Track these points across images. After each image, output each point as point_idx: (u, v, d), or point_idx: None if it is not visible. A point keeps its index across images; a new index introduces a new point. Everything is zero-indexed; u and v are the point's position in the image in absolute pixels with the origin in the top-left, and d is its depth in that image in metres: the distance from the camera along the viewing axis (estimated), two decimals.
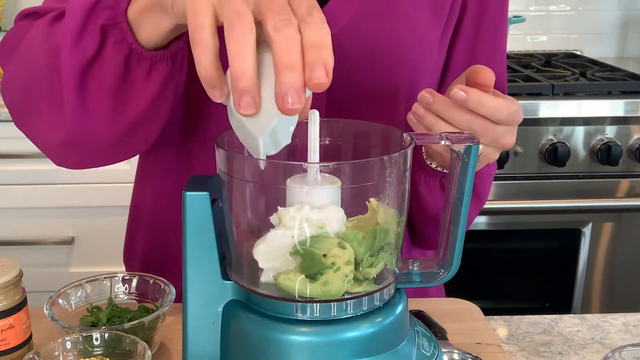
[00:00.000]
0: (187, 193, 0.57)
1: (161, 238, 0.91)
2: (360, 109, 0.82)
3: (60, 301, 0.72)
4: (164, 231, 0.90)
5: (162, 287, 0.75)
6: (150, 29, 0.64)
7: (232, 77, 0.48)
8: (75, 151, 0.73)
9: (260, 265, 0.56)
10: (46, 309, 0.70)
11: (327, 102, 0.81)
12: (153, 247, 0.93)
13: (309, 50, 0.47)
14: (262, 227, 0.57)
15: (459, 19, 0.87)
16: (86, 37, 0.65)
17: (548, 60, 2.10)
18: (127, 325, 0.67)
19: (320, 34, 0.48)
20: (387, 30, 0.81)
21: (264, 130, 0.51)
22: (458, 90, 0.65)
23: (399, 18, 0.82)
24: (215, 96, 0.52)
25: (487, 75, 0.67)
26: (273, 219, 0.55)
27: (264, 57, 0.51)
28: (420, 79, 0.84)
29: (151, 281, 0.76)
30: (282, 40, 0.47)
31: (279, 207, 0.55)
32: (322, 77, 0.47)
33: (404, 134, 0.59)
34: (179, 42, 0.67)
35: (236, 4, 0.49)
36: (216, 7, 0.51)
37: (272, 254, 0.55)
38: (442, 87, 0.90)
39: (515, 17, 2.01)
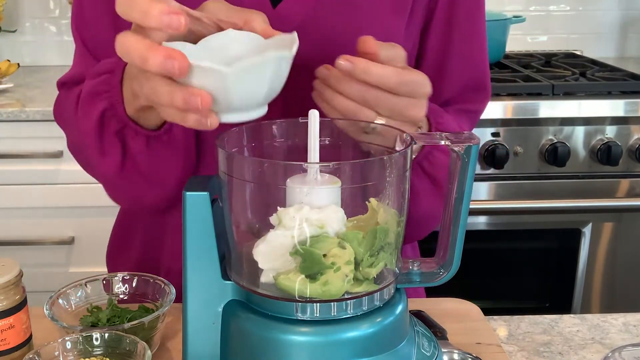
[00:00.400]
0: (187, 193, 0.57)
1: (151, 244, 0.92)
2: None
3: (60, 301, 0.72)
4: (154, 239, 0.92)
5: (162, 287, 0.75)
6: (154, 120, 0.72)
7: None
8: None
9: (260, 265, 0.56)
10: (46, 309, 0.70)
11: (283, 104, 0.81)
12: (142, 252, 0.94)
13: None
14: (262, 227, 0.57)
15: (431, 10, 0.86)
16: (108, 148, 0.74)
17: (548, 60, 2.10)
18: (127, 325, 0.67)
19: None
20: (347, 25, 0.80)
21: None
22: (344, 61, 0.65)
23: (359, 12, 0.80)
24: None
25: (369, 43, 0.66)
26: (273, 219, 0.55)
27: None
28: None
29: (151, 281, 0.76)
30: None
31: (278, 208, 0.55)
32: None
33: (404, 134, 0.59)
34: None
35: None
36: None
37: (272, 255, 0.55)
38: None
39: (515, 17, 2.01)
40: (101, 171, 0.78)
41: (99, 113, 0.72)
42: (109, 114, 0.72)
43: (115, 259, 1.00)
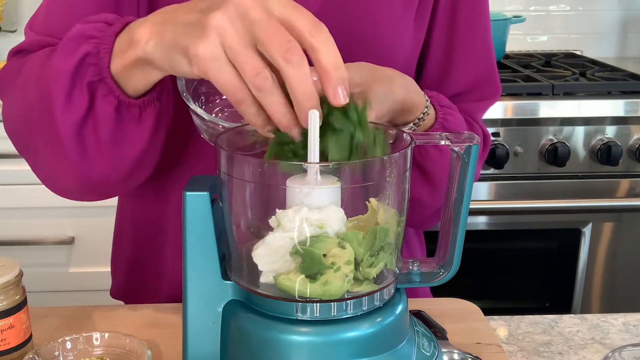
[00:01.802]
0: (187, 193, 0.57)
1: (145, 246, 0.93)
2: None
3: None
4: (148, 241, 0.92)
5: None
6: (137, 82, 0.66)
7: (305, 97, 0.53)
8: (91, 193, 0.78)
9: (260, 268, 0.56)
10: None
11: None
12: (138, 252, 0.94)
13: (327, 73, 0.53)
14: (262, 227, 0.57)
15: (435, 4, 0.87)
16: (75, 97, 0.67)
17: (548, 60, 2.10)
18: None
19: (332, 53, 0.53)
20: (360, 16, 0.81)
21: None
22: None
23: (372, 3, 0.82)
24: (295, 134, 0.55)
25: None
26: (272, 221, 0.55)
27: None
28: (394, 62, 0.83)
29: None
30: (295, 74, 0.52)
31: (277, 210, 0.55)
32: (344, 96, 0.53)
33: (404, 134, 0.59)
34: (162, 85, 0.69)
35: (249, 57, 0.53)
36: (227, 57, 0.54)
37: (271, 257, 0.55)
38: (422, 70, 0.91)
39: (515, 17, 2.01)
40: (58, 125, 0.69)
41: (80, 56, 0.66)
42: (90, 61, 0.66)
43: (114, 259, 1.00)
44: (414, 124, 0.78)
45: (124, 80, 0.66)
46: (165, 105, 0.71)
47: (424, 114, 0.78)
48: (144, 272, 0.93)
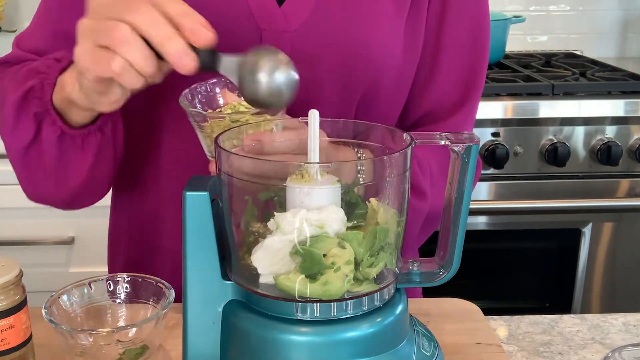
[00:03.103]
0: (187, 193, 0.57)
1: (142, 245, 0.93)
2: (323, 104, 0.80)
3: (61, 301, 0.72)
4: (145, 239, 0.92)
5: (162, 289, 0.74)
6: (76, 116, 0.73)
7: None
8: (52, 206, 0.86)
9: (260, 271, 0.56)
10: (44, 312, 0.69)
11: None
12: (135, 251, 0.94)
13: (181, 20, 0.58)
14: (262, 227, 0.57)
15: (429, 6, 0.85)
16: (22, 124, 0.74)
17: (548, 60, 2.10)
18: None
19: (180, 6, 0.59)
20: (348, 24, 0.80)
21: None
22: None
23: (360, 12, 0.81)
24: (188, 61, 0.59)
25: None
26: (270, 224, 0.55)
27: None
28: (382, 69, 0.83)
29: (153, 283, 0.75)
30: (151, 24, 0.58)
31: (275, 213, 0.55)
32: (206, 33, 0.59)
33: (404, 134, 0.59)
34: (105, 116, 0.74)
35: (116, 30, 0.58)
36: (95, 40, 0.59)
37: (270, 260, 0.55)
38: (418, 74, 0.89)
39: (515, 17, 2.01)
40: (6, 146, 0.78)
41: (26, 88, 0.73)
42: (34, 94, 0.73)
43: (110, 257, 1.00)
44: None
45: (65, 112, 0.73)
46: (107, 136, 0.76)
47: None
48: (141, 267, 0.93)
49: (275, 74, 0.60)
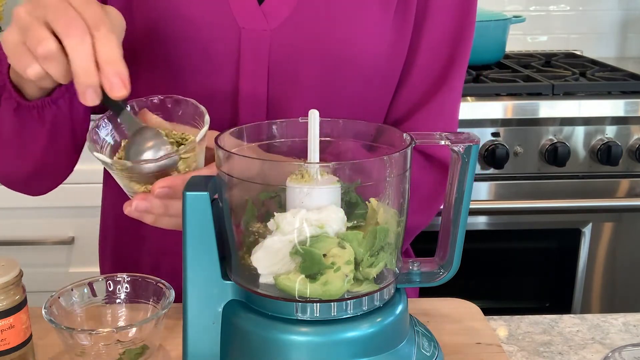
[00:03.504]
0: (187, 193, 0.57)
1: (132, 243, 0.93)
2: (305, 104, 0.78)
3: (61, 301, 0.72)
4: (136, 238, 0.92)
5: (162, 289, 0.75)
6: (29, 90, 0.73)
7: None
8: (6, 184, 0.87)
9: (260, 271, 0.56)
10: (44, 311, 0.69)
11: (268, 101, 0.81)
12: (124, 250, 0.95)
13: (104, 66, 0.59)
14: (262, 228, 0.57)
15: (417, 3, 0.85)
16: None
17: (548, 60, 2.10)
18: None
19: (108, 49, 0.59)
20: (332, 21, 0.80)
21: None
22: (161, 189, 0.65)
23: (343, 8, 0.80)
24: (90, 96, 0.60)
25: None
26: (270, 224, 0.55)
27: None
28: (371, 68, 0.82)
29: (153, 283, 0.76)
30: (74, 47, 0.58)
31: (275, 213, 0.55)
32: (119, 88, 0.59)
33: (404, 134, 0.59)
34: (61, 88, 0.74)
35: (34, 31, 0.59)
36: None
37: (270, 260, 0.55)
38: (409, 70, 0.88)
39: (515, 17, 2.01)
40: None
41: None
42: None
43: (101, 255, 1.00)
44: None
45: (22, 86, 0.73)
46: (63, 110, 0.76)
47: None
48: (126, 265, 0.93)
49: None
